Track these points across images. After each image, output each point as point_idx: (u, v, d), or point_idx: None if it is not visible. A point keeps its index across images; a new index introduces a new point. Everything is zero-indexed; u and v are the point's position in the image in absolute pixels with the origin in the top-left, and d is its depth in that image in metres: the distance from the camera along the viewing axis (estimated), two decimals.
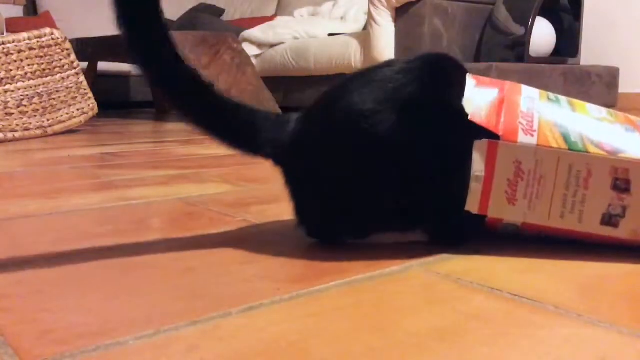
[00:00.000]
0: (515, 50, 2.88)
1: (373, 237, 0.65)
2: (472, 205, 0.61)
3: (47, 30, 2.15)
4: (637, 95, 3.29)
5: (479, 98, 0.61)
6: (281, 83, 3.43)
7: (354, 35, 3.16)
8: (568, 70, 2.96)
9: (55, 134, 2.15)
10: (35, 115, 2.08)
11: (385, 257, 0.60)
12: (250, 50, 3.54)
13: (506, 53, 2.91)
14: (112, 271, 0.57)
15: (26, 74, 2.06)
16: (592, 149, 0.59)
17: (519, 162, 0.59)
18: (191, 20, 4.21)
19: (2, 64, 2.00)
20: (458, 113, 0.59)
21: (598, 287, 0.52)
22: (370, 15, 2.98)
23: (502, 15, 2.96)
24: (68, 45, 2.21)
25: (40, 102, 2.10)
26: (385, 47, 2.97)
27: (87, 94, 2.27)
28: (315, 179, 0.62)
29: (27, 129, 2.05)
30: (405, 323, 0.44)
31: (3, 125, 1.97)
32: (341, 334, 0.42)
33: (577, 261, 0.59)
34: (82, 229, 0.74)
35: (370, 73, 0.62)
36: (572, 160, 0.58)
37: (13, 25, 3.79)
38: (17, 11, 4.48)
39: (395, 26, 2.98)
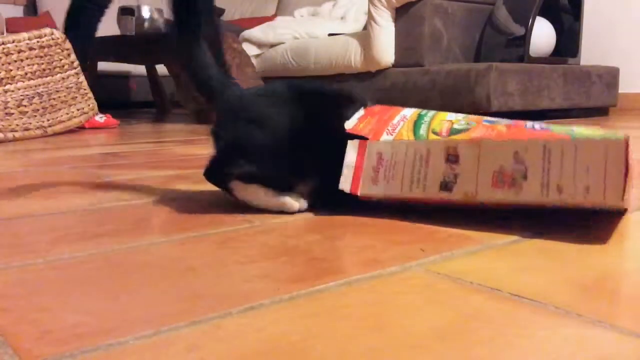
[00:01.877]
0: (515, 50, 2.88)
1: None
2: (345, 185, 0.81)
3: (47, 30, 2.15)
4: (637, 95, 3.29)
5: (365, 122, 0.83)
6: None
7: (354, 35, 3.16)
8: (568, 70, 2.95)
9: (55, 134, 2.15)
10: (35, 115, 2.08)
11: (385, 257, 0.60)
12: (250, 50, 3.54)
13: (506, 53, 2.91)
14: (112, 271, 0.57)
15: (26, 74, 2.07)
16: (432, 136, 0.76)
17: (380, 154, 0.79)
18: None
19: (2, 64, 2.00)
20: (340, 127, 0.82)
21: (598, 287, 0.52)
22: (370, 15, 2.98)
23: (502, 15, 2.96)
24: (68, 45, 2.21)
25: (40, 102, 2.10)
26: (385, 47, 2.97)
27: (87, 94, 2.27)
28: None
29: (27, 129, 2.05)
30: (405, 323, 0.44)
31: (3, 125, 1.97)
32: (341, 334, 0.42)
33: (577, 261, 0.59)
34: (82, 229, 0.74)
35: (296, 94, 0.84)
36: (416, 146, 0.76)
37: (13, 25, 3.79)
38: (17, 11, 4.49)
39: (395, 26, 2.98)
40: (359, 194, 0.79)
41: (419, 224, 0.74)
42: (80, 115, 2.24)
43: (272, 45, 3.59)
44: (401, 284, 0.53)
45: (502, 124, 0.75)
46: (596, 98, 3.11)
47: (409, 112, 0.83)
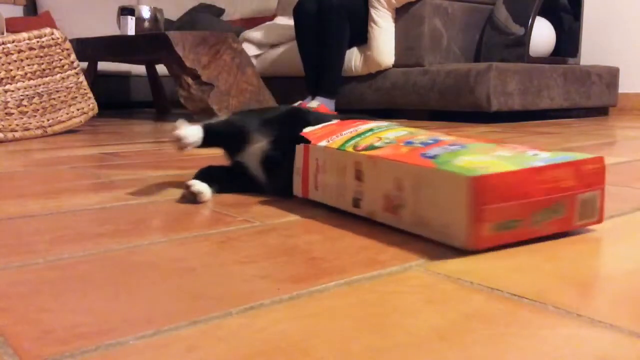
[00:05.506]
0: (515, 50, 2.88)
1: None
2: (297, 190, 0.87)
3: (47, 30, 2.15)
4: (637, 95, 3.29)
5: (324, 129, 0.86)
6: (281, 83, 3.43)
7: None
8: (568, 70, 2.96)
9: (55, 134, 2.15)
10: (35, 115, 2.08)
11: (385, 257, 0.60)
12: (250, 50, 3.54)
13: (506, 53, 2.91)
14: (112, 271, 0.57)
15: (26, 74, 2.06)
16: (349, 149, 0.76)
17: (317, 160, 0.82)
18: (191, 20, 4.21)
19: (2, 64, 2.00)
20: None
21: (598, 287, 0.52)
22: (370, 16, 2.98)
23: (502, 15, 2.96)
24: (68, 45, 2.20)
25: (40, 102, 2.10)
26: (386, 48, 2.97)
27: (87, 94, 2.27)
28: None
29: (27, 129, 2.05)
30: (405, 323, 0.44)
31: (3, 125, 1.97)
32: (341, 334, 0.42)
33: (577, 261, 0.59)
34: (82, 229, 0.74)
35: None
36: (338, 156, 0.78)
37: (13, 25, 3.79)
38: (17, 11, 4.49)
39: (395, 26, 2.98)
40: (309, 197, 0.84)
41: None
42: (80, 115, 2.24)
43: (272, 46, 3.59)
44: (401, 284, 0.53)
45: (417, 144, 0.71)
46: (596, 98, 3.11)
47: (365, 126, 0.83)
